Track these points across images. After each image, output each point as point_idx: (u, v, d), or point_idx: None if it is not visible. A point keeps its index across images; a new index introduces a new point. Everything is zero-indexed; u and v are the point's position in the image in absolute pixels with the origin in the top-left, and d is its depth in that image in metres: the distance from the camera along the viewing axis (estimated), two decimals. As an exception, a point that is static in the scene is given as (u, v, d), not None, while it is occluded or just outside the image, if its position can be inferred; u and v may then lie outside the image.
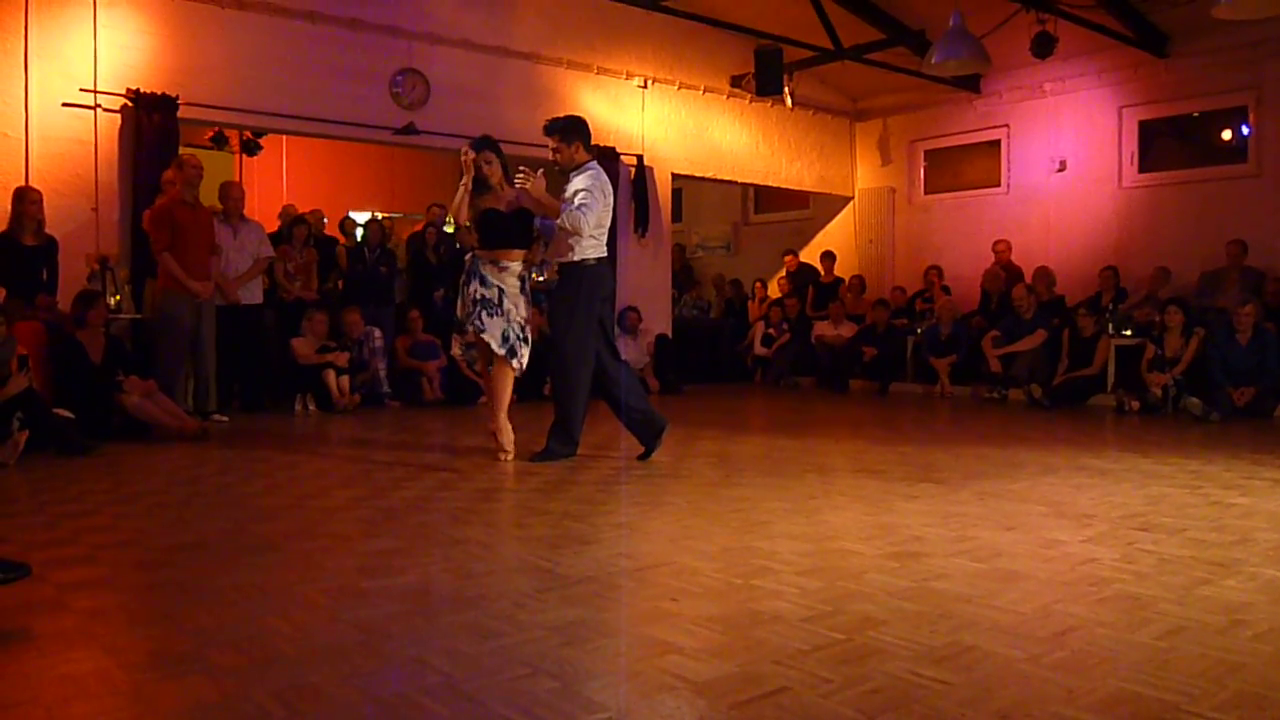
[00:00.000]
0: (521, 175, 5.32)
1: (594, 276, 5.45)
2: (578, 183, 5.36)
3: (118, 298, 7.52)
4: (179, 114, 8.00)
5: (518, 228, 5.44)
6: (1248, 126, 10.06)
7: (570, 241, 5.35)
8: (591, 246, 5.39)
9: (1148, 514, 4.02)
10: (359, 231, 10.22)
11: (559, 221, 5.30)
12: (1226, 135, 10.41)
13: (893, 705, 1.99)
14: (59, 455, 5.60)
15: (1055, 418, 8.28)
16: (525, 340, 5.41)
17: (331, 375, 8.23)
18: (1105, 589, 2.87)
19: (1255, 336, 8.30)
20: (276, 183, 12.37)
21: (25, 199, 6.91)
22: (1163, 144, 10.82)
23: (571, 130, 5.47)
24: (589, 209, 5.27)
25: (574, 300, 5.40)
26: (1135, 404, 8.63)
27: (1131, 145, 10.81)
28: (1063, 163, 11.26)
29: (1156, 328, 8.89)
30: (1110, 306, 9.83)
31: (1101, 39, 10.03)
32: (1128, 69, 10.66)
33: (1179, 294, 9.49)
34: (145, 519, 3.98)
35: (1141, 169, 10.78)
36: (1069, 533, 3.65)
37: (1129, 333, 9.31)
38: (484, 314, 5.29)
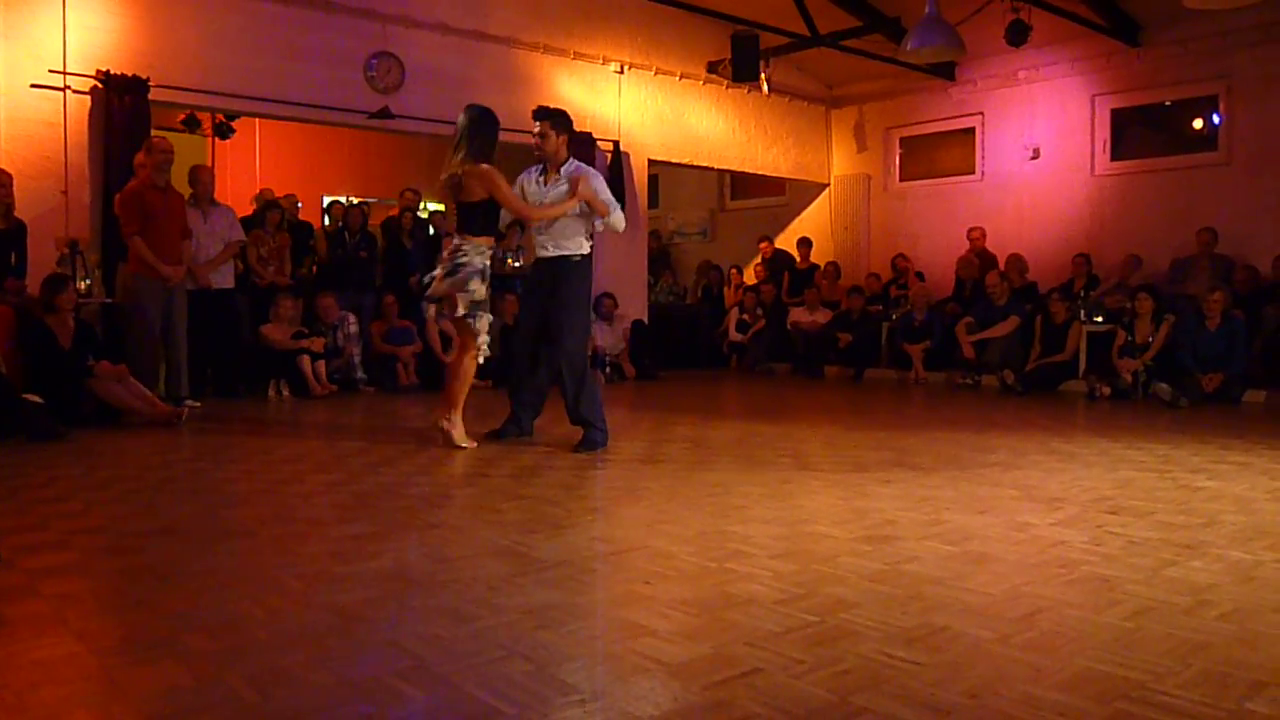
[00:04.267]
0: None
1: (589, 270, 5.63)
2: (593, 184, 5.40)
3: (88, 282, 7.43)
4: (150, 96, 7.89)
5: (487, 215, 5.32)
6: (1218, 115, 10.16)
7: (581, 236, 5.47)
8: (588, 242, 5.54)
9: (1117, 497, 4.07)
10: (327, 217, 10.13)
11: (612, 222, 5.45)
12: (1198, 124, 10.50)
13: (864, 685, 2.02)
14: (29, 441, 5.54)
15: (1027, 403, 8.35)
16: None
17: (307, 361, 8.19)
18: (1074, 571, 2.91)
19: (1224, 323, 8.40)
20: (250, 166, 12.24)
21: (-7, 182, 6.81)
22: (1135, 132, 10.90)
23: (563, 123, 5.45)
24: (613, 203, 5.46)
25: (581, 294, 5.54)
26: (1106, 390, 8.72)
27: (1104, 133, 10.89)
28: (1036, 150, 11.33)
29: (1127, 314, 8.98)
30: (1082, 293, 9.92)
31: (1075, 27, 10.09)
32: (1100, 57, 10.73)
33: (1150, 281, 9.59)
34: (117, 505, 3.95)
35: (1114, 157, 10.86)
36: (1039, 516, 3.69)
37: (1100, 319, 9.39)
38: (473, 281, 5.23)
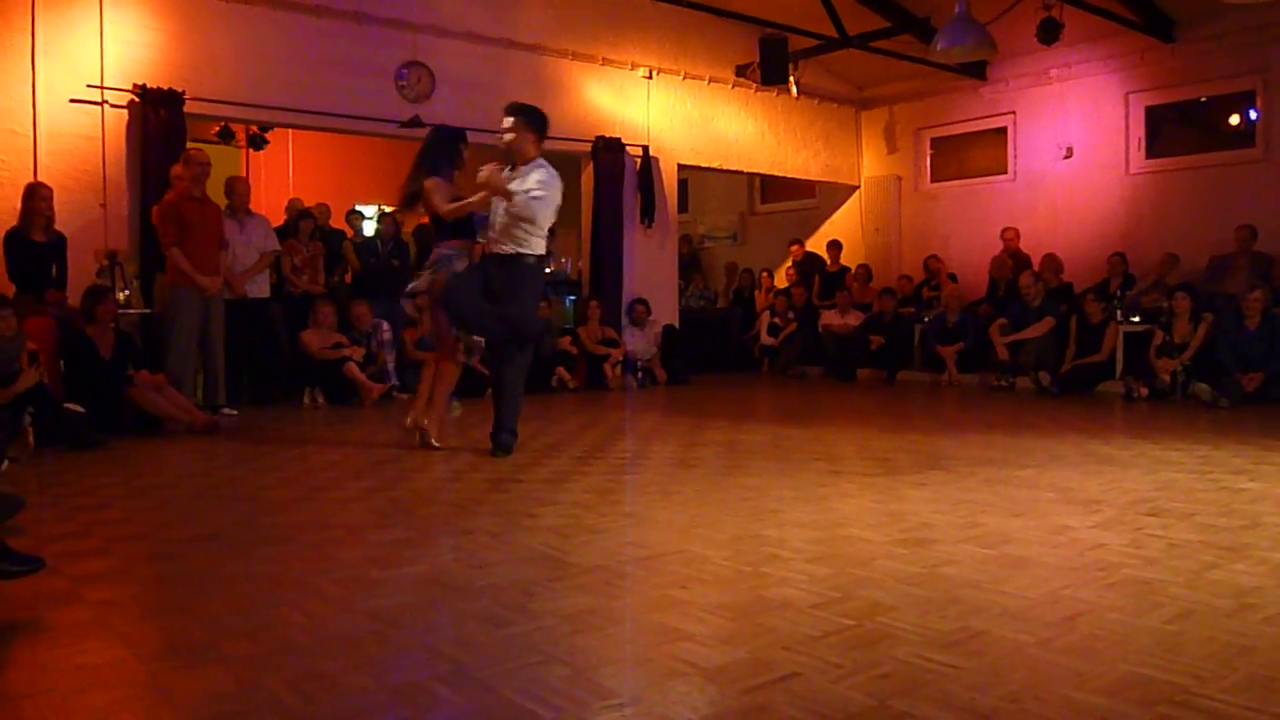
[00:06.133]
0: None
1: (541, 271, 5.63)
2: (537, 175, 5.23)
3: (126, 293, 7.53)
4: (185, 109, 8.00)
5: (457, 221, 5.60)
6: (1255, 111, 10.01)
7: (517, 233, 5.26)
8: (537, 243, 5.39)
9: (1156, 499, 4.02)
10: (366, 225, 10.22)
11: (515, 208, 5.16)
12: (1234, 120, 10.35)
13: (903, 690, 2.01)
14: (70, 450, 5.62)
15: (1063, 405, 8.27)
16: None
17: (355, 368, 8.27)
18: (1114, 574, 2.88)
19: (1264, 322, 8.26)
20: (283, 177, 12.38)
21: (36, 195, 6.92)
22: (1170, 129, 10.77)
23: (534, 120, 5.36)
24: (544, 203, 5.19)
25: (536, 294, 5.69)
26: (1144, 390, 8.61)
27: (1139, 131, 10.77)
28: (1070, 149, 11.22)
29: (1165, 314, 8.86)
30: (1118, 293, 9.79)
31: (1107, 24, 9.99)
32: (1134, 54, 10.61)
33: (1187, 280, 9.46)
34: (157, 512, 4.01)
35: (1149, 155, 10.73)
36: (1078, 519, 3.65)
37: (1137, 319, 9.28)
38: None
